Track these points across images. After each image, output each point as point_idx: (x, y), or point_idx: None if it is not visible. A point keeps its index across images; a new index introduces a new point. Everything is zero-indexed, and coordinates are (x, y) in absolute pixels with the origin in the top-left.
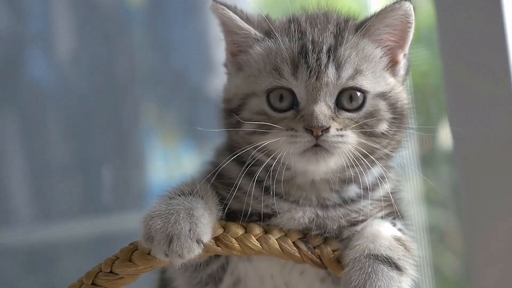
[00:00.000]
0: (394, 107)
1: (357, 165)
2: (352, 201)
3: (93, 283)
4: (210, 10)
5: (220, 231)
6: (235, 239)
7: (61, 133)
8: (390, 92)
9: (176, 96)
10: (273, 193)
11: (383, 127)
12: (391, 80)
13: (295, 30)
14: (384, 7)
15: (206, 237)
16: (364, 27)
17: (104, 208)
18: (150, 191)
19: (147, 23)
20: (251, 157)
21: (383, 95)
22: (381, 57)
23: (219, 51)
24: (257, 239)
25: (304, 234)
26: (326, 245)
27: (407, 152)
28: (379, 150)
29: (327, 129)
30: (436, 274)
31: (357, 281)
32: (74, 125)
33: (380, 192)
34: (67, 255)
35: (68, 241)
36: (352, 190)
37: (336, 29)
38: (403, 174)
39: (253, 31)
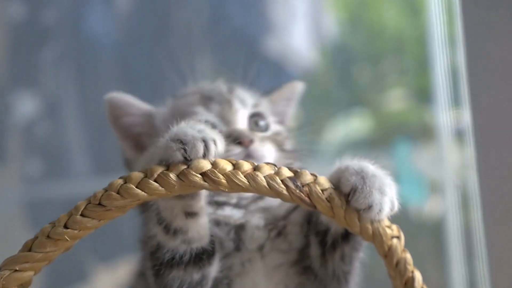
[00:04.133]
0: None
1: None
2: None
3: (82, 214)
4: (106, 104)
5: (208, 166)
6: (222, 175)
7: (117, 87)
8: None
9: (232, 54)
10: None
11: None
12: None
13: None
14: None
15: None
16: (266, 94)
17: None
18: None
19: None
20: None
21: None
22: (273, 112)
23: (276, 8)
24: (244, 176)
25: (294, 172)
26: (315, 184)
27: (465, 120)
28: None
29: (251, 141)
30: None
31: (353, 168)
32: (130, 79)
33: None
34: None
35: None
36: None
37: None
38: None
39: (150, 106)
